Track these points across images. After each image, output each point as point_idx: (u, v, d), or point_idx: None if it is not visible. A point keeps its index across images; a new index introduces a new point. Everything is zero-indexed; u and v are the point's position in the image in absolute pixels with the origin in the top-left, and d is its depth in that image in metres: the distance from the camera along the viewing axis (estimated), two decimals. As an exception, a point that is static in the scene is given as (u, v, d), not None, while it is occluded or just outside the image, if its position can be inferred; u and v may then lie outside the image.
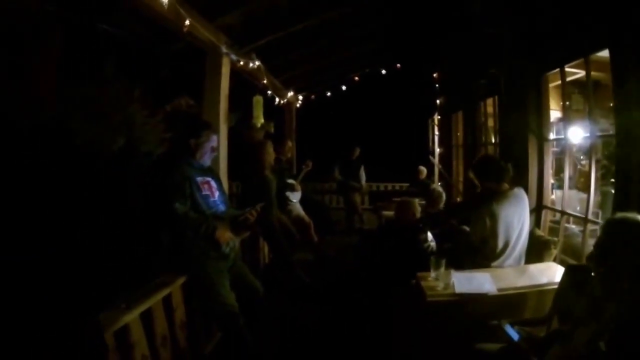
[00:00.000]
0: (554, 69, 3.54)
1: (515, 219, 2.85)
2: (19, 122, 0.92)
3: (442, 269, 2.58)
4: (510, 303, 2.38)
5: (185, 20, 2.55)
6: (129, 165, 2.90)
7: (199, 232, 2.61)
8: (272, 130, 5.69)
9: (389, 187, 10.52)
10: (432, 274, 2.63)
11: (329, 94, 7.77)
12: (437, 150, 7.90)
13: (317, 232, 5.75)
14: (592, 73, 3.14)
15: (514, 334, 1.94)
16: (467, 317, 2.30)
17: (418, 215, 3.89)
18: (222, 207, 2.85)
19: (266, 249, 5.16)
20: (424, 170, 8.32)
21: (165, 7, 2.32)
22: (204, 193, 2.72)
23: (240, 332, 2.82)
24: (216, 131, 2.79)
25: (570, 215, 3.36)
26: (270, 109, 5.48)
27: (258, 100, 4.27)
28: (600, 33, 2.72)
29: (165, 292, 2.61)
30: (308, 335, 3.54)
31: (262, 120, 4.44)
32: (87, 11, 2.59)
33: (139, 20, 2.87)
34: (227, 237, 2.73)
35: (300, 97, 7.38)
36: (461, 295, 2.37)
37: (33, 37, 0.97)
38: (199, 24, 2.79)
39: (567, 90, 4.12)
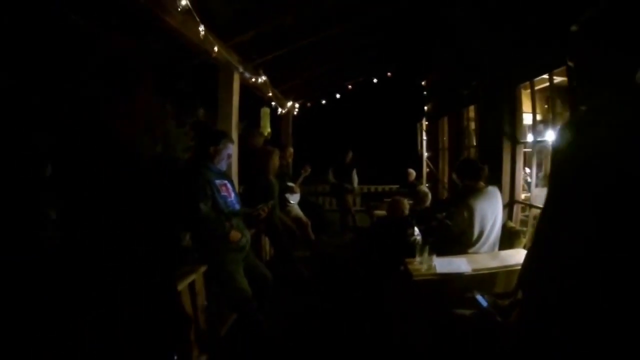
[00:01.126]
0: (524, 82, 4.04)
1: (489, 211, 3.32)
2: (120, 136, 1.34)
3: (426, 254, 3.05)
4: (483, 280, 2.84)
5: (214, 47, 3.00)
6: (162, 169, 3.30)
7: (216, 232, 3.03)
8: (269, 136, 6.13)
9: (380, 189, 11.00)
10: (418, 258, 3.10)
11: (324, 101, 8.22)
12: (425, 153, 8.40)
13: (314, 231, 6.19)
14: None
15: (483, 301, 2.39)
16: (447, 291, 2.76)
17: (407, 212, 4.36)
18: (237, 206, 3.28)
19: (267, 246, 5.58)
20: (412, 172, 8.77)
21: (202, 37, 2.77)
22: (222, 194, 3.13)
23: (252, 313, 3.25)
24: (232, 140, 3.21)
25: (537, 208, 3.84)
26: (271, 118, 5.95)
27: (265, 111, 4.70)
28: (559, 51, 3.20)
29: (190, 278, 3.02)
30: (311, 316, 3.99)
31: (268, 130, 4.85)
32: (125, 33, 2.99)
33: (165, 40, 3.26)
34: (237, 237, 3.14)
35: (297, 105, 7.82)
36: (442, 274, 2.84)
37: (135, 76, 1.38)
38: (218, 46, 3.22)
39: (548, 94, 4.61)
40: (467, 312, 2.40)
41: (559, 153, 1.35)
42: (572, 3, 2.90)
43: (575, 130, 1.30)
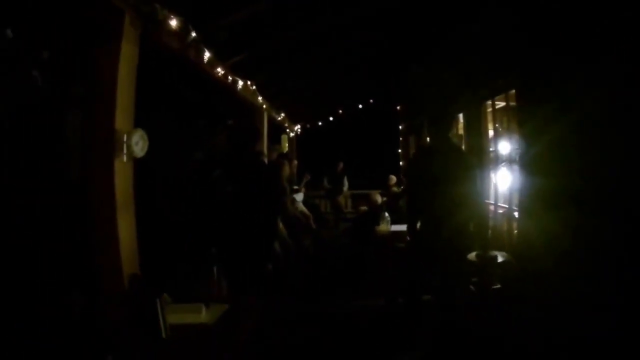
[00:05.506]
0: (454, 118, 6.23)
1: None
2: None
3: (385, 222, 5.22)
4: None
5: (264, 105, 5.18)
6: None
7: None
8: (284, 151, 8.31)
9: (367, 192, 13.11)
10: (381, 224, 5.27)
11: (320, 123, 10.41)
12: (401, 163, 10.58)
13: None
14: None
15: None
16: (395, 239, 4.92)
17: (379, 202, 6.55)
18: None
19: (283, 231, 7.68)
20: (393, 178, 10.85)
21: (260, 102, 4.93)
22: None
23: (281, 265, 5.36)
24: (266, 157, 5.36)
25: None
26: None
27: (284, 137, 6.85)
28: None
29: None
30: (320, 271, 6.14)
31: (287, 148, 6.99)
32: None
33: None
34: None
35: (299, 127, 10.00)
36: (393, 231, 5.01)
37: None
38: (266, 104, 5.40)
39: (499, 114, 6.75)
40: (401, 244, 4.57)
41: (411, 163, 3.52)
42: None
43: (420, 154, 3.48)
